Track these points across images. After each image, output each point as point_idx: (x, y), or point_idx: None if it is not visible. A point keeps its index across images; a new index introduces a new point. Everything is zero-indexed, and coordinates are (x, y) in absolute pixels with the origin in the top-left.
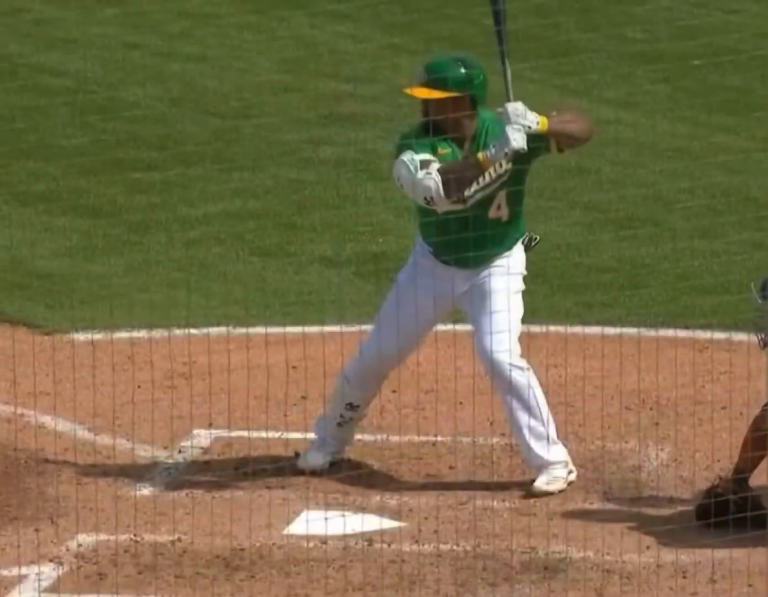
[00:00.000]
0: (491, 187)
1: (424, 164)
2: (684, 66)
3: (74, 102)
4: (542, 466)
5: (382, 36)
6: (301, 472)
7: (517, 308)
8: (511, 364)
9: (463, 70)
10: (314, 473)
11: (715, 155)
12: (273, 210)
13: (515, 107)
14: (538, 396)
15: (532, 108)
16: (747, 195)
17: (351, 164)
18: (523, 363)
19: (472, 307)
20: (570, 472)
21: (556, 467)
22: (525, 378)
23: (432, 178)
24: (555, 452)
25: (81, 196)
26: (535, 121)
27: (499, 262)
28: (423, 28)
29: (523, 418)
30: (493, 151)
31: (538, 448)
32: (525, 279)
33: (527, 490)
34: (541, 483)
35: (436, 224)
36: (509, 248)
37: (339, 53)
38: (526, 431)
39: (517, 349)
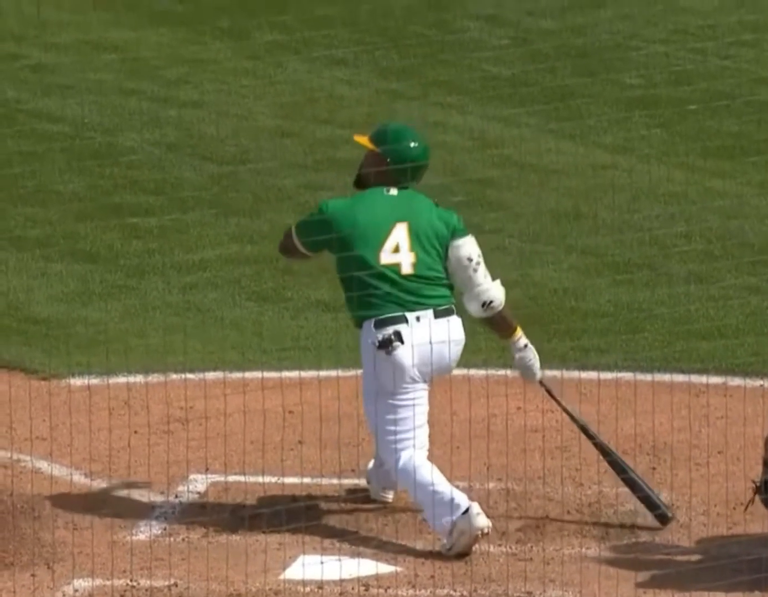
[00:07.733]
0: None
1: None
2: (680, 111)
3: (71, 147)
4: (447, 530)
5: (378, 81)
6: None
7: (389, 411)
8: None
9: (403, 141)
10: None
11: (711, 200)
12: (270, 255)
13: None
14: (423, 476)
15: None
16: (743, 240)
17: None
18: (400, 462)
19: None
20: (477, 515)
21: (458, 523)
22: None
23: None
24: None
25: (78, 241)
26: None
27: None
28: (420, 74)
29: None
30: None
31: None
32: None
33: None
34: (445, 548)
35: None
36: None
37: (336, 99)
38: (428, 510)
39: (392, 452)
